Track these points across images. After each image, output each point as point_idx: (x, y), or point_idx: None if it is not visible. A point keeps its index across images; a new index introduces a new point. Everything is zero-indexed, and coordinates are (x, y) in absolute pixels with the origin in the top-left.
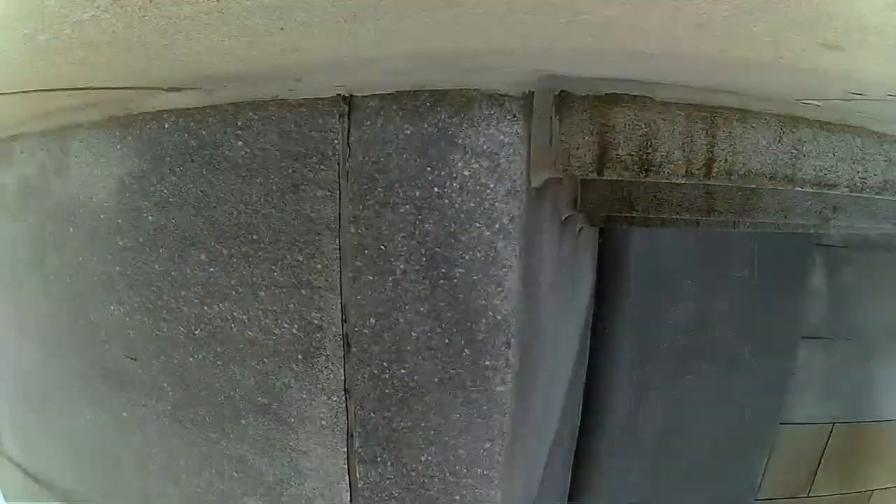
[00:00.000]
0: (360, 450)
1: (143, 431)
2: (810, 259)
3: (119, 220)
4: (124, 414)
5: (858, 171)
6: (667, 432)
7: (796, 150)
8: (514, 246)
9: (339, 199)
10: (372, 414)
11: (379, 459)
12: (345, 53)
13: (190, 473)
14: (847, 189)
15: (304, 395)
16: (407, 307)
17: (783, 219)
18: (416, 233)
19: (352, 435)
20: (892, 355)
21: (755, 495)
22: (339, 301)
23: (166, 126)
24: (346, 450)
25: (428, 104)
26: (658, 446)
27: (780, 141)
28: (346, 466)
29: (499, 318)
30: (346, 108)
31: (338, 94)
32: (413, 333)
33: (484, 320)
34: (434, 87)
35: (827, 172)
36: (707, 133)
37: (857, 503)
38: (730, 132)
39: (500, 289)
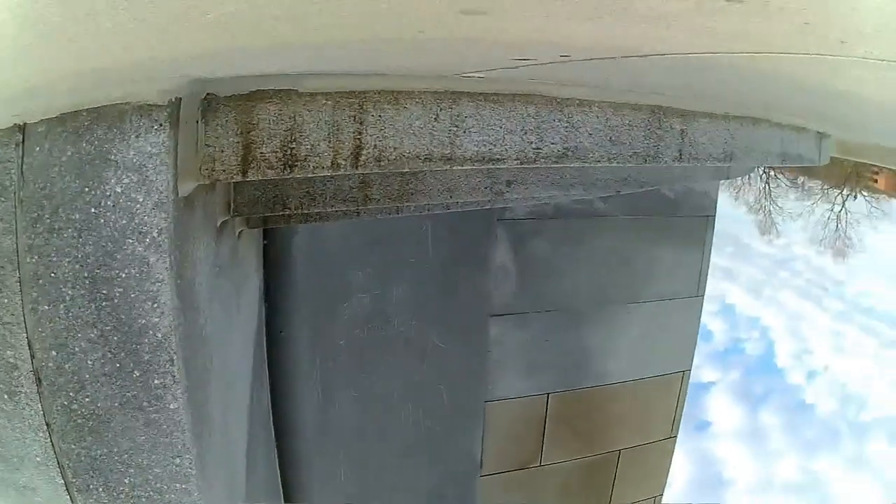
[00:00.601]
0: (73, 480)
1: None
2: (491, 236)
3: None
4: None
5: (532, 142)
6: (365, 426)
7: (456, 126)
8: (165, 259)
9: (16, 229)
10: (73, 445)
11: (91, 487)
12: (16, 82)
13: None
14: (517, 161)
15: (18, 434)
16: (79, 335)
17: (449, 198)
18: (79, 256)
19: (63, 467)
20: (600, 321)
21: (479, 472)
22: (26, 336)
23: None
24: (63, 482)
25: (87, 123)
26: (360, 441)
27: (436, 119)
28: (69, 497)
29: (159, 336)
30: (21, 136)
31: (14, 124)
32: (88, 361)
33: (146, 340)
34: (93, 105)
35: (492, 147)
36: (355, 120)
37: (606, 465)
38: (380, 116)
39: (155, 305)
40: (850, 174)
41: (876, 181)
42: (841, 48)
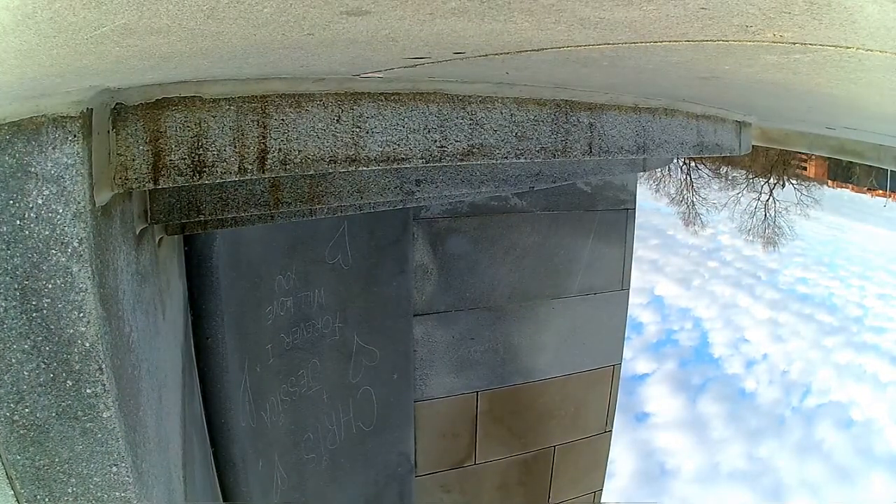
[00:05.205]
0: (21, 491)
1: None
2: (408, 235)
3: None
4: None
5: (436, 140)
6: (297, 429)
7: (358, 128)
8: (87, 269)
9: None
10: (18, 456)
11: (38, 497)
12: None
13: None
14: (423, 160)
15: None
16: (14, 346)
17: (360, 199)
18: (9, 268)
19: (11, 478)
20: (525, 317)
21: (414, 472)
22: None
23: None
24: (13, 493)
25: (8, 137)
26: (294, 443)
27: (338, 121)
28: None
29: (87, 345)
30: None
31: None
32: (24, 372)
33: (76, 349)
34: (13, 118)
35: (396, 146)
36: (259, 124)
37: (542, 462)
38: (282, 119)
39: (81, 314)
40: (776, 163)
41: (805, 168)
42: (746, 33)
